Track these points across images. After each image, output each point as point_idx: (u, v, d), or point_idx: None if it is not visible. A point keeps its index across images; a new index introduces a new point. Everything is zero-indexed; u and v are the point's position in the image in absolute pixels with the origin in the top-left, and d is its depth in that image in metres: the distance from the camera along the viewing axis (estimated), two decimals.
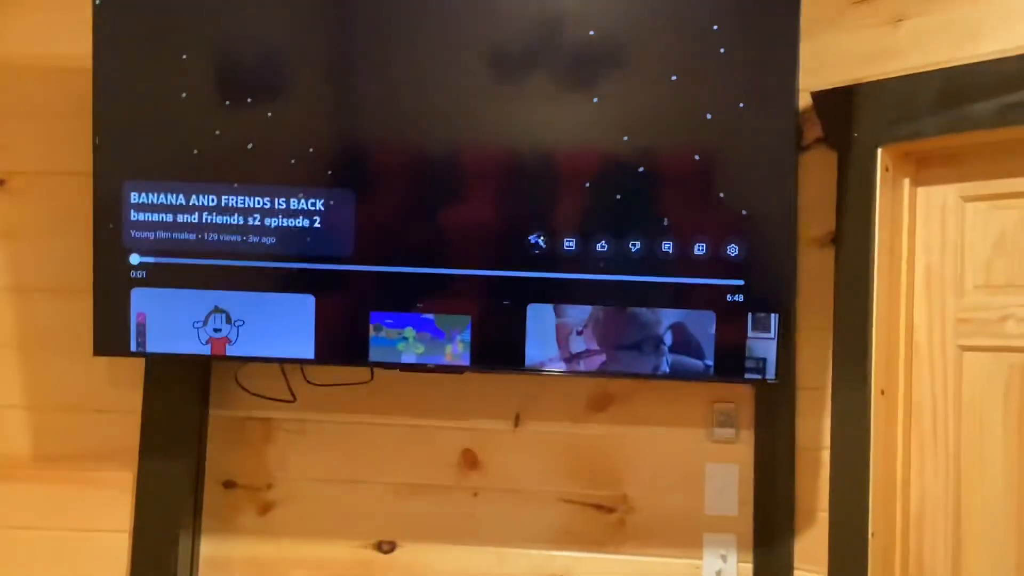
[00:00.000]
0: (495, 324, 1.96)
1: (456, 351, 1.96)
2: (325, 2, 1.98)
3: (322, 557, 2.19)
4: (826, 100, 1.99)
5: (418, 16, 1.94)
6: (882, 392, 1.91)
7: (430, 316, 1.96)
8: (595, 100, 1.92)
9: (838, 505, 1.96)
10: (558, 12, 1.92)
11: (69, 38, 2.15)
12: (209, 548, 2.21)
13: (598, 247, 1.93)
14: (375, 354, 1.97)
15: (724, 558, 2.12)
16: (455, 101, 1.95)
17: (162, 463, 2.15)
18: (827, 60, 2.01)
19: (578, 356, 1.95)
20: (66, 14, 2.17)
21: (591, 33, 1.91)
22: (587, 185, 1.93)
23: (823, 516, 2.00)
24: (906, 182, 1.96)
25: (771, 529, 2.08)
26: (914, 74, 1.88)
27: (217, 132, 1.96)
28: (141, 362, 2.14)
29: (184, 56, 1.96)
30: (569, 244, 1.93)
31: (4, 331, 2.19)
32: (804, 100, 1.99)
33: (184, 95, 1.96)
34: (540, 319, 1.95)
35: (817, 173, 2.03)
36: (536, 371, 1.96)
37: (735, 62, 1.88)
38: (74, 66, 2.13)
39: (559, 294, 1.94)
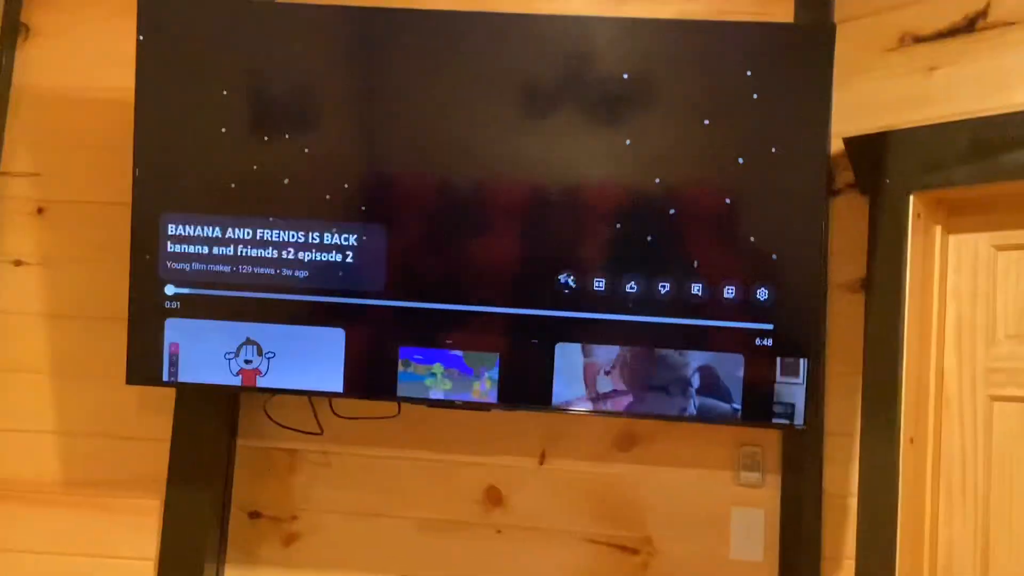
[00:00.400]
0: (523, 362, 1.96)
1: (484, 388, 1.97)
2: (361, 42, 2.01)
3: None
4: (858, 146, 2.00)
5: (453, 57, 1.97)
6: (911, 440, 1.90)
7: (459, 353, 1.97)
8: (627, 142, 1.93)
9: (865, 553, 1.94)
10: (592, 54, 1.94)
11: (112, 70, 2.21)
12: None
13: (627, 288, 1.94)
14: (403, 389, 1.99)
15: None
16: (488, 140, 1.97)
17: (189, 492, 2.16)
18: (860, 106, 2.01)
19: (605, 396, 1.95)
20: (109, 47, 2.23)
21: (624, 76, 1.93)
22: (618, 226, 1.95)
23: (849, 564, 1.98)
24: (938, 229, 1.96)
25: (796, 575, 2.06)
26: (946, 122, 1.88)
27: (254, 167, 1.99)
28: (171, 391, 2.17)
29: (224, 92, 1.99)
30: (599, 284, 1.94)
31: (38, 357, 2.22)
32: (836, 145, 2.01)
33: (223, 130, 1.99)
34: (568, 358, 1.95)
35: (848, 218, 2.04)
36: (563, 410, 1.96)
37: (768, 107, 1.90)
38: (116, 98, 2.17)
39: (587, 334, 1.95)
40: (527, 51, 1.96)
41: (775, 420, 1.91)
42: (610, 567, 2.16)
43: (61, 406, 2.21)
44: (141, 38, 2.00)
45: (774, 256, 1.91)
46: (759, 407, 1.91)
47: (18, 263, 2.23)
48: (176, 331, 2.01)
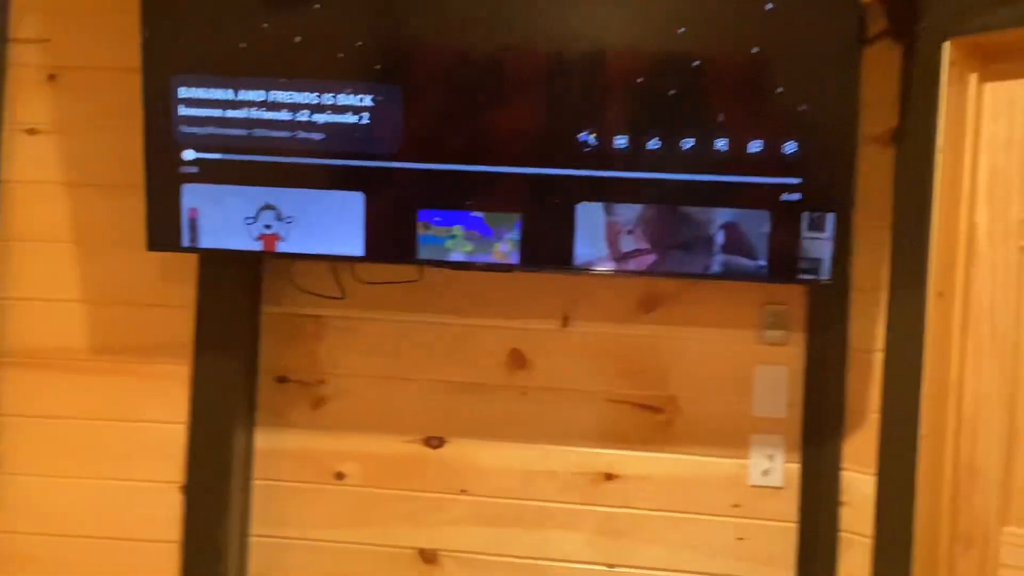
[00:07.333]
0: (544, 222, 1.94)
1: (505, 249, 1.95)
2: None
3: (372, 451, 2.24)
4: None
5: None
6: (939, 294, 1.87)
7: (479, 214, 1.95)
8: None
9: (889, 406, 1.94)
10: None
11: None
12: (263, 440, 2.26)
13: (650, 145, 1.89)
14: (423, 252, 1.97)
15: (771, 458, 2.12)
16: None
17: (217, 357, 2.19)
18: None
19: (627, 255, 1.93)
20: None
21: None
22: (639, 81, 1.89)
23: (874, 418, 1.99)
24: (973, 77, 1.88)
25: (819, 430, 2.07)
26: None
27: (263, 25, 1.93)
28: (194, 257, 2.17)
29: None
30: (620, 142, 1.90)
31: (59, 227, 2.23)
32: None
33: None
34: (590, 218, 1.93)
35: (880, 68, 1.96)
36: (585, 270, 1.94)
37: None
38: None
39: (609, 193, 1.92)
40: None
41: (801, 276, 1.89)
42: (634, 426, 2.18)
43: (84, 275, 2.23)
44: None
45: (802, 108, 1.85)
46: (784, 263, 1.89)
47: (32, 131, 2.21)
48: (194, 196, 1.99)
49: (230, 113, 1.96)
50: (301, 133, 1.96)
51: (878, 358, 1.98)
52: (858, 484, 2.02)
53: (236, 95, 1.95)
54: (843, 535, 2.06)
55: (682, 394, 2.17)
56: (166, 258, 2.18)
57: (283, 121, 1.96)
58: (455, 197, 1.95)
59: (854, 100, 1.85)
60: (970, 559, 1.88)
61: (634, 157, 1.90)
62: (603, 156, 1.91)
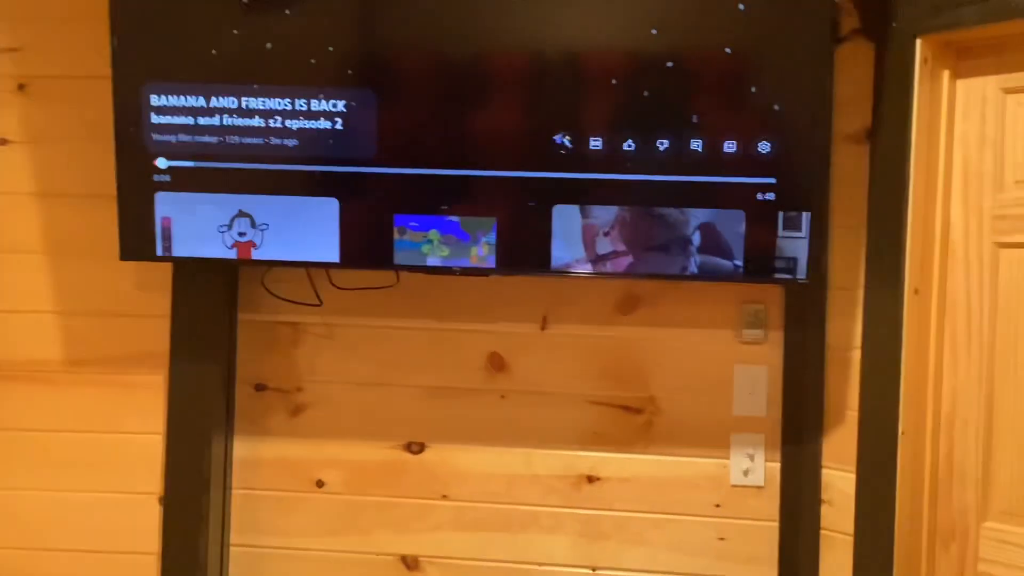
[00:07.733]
0: (521, 226, 1.93)
1: (481, 253, 1.94)
2: None
3: (353, 457, 2.22)
4: None
5: None
6: (916, 291, 1.88)
7: (455, 218, 1.94)
8: None
9: (868, 404, 1.95)
10: None
11: None
12: (242, 449, 2.25)
13: (625, 146, 1.89)
14: (400, 257, 1.96)
15: (752, 457, 2.12)
16: None
17: (193, 366, 2.17)
18: None
19: (605, 257, 1.93)
20: None
21: None
22: (613, 82, 1.88)
23: (853, 416, 1.99)
24: (945, 74, 1.89)
25: (799, 429, 2.07)
26: None
27: (234, 31, 1.92)
28: (168, 266, 2.15)
29: None
30: (595, 144, 1.89)
31: (31, 237, 2.20)
32: None
33: None
34: (566, 220, 1.92)
35: (854, 66, 1.97)
36: (562, 273, 1.94)
37: None
38: None
39: (585, 195, 1.91)
40: None
41: (777, 275, 1.89)
42: (614, 427, 2.17)
43: (59, 285, 2.21)
44: None
45: (776, 107, 1.85)
46: (761, 263, 1.89)
47: (3, 142, 2.19)
48: (167, 205, 1.98)
49: (202, 121, 1.95)
50: (274, 139, 1.95)
51: (856, 356, 1.99)
52: (838, 482, 2.03)
53: (208, 102, 1.94)
54: (824, 533, 2.06)
55: (662, 395, 2.17)
56: (140, 267, 2.16)
57: (256, 128, 1.94)
58: (430, 201, 1.94)
59: (827, 99, 1.86)
60: (950, 555, 1.89)
61: (609, 159, 1.90)
62: (578, 158, 1.90)
